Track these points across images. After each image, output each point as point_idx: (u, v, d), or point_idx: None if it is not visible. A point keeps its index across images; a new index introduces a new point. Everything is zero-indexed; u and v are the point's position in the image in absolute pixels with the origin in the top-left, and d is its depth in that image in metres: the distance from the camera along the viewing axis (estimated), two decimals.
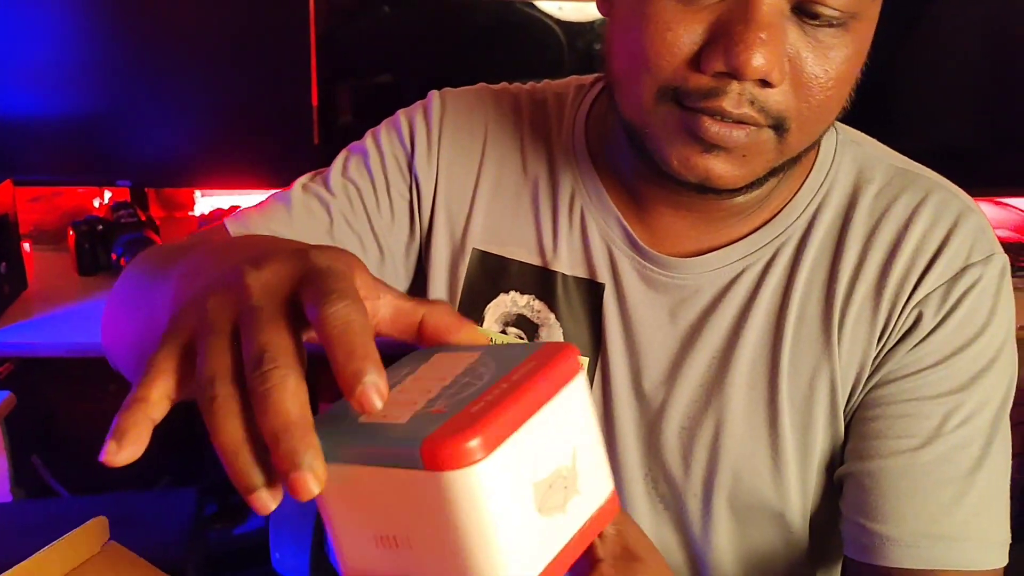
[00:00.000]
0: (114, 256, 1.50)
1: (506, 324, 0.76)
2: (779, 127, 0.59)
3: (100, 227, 1.53)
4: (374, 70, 1.69)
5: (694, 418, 0.72)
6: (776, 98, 0.58)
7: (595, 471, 0.38)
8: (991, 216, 1.95)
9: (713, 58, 0.57)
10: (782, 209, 0.71)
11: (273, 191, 1.47)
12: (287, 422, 0.33)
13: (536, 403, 0.35)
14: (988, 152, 1.87)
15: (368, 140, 0.79)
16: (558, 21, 1.66)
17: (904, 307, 0.68)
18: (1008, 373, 0.69)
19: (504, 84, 0.82)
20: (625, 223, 0.72)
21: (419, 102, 0.81)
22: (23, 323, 1.39)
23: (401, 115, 0.80)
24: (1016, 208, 1.97)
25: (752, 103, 0.58)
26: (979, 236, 0.69)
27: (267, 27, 1.61)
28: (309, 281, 0.37)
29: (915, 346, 0.68)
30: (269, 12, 1.60)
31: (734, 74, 0.56)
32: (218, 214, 1.62)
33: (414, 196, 0.77)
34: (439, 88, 0.82)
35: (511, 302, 0.76)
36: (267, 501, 0.35)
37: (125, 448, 0.36)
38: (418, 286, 0.80)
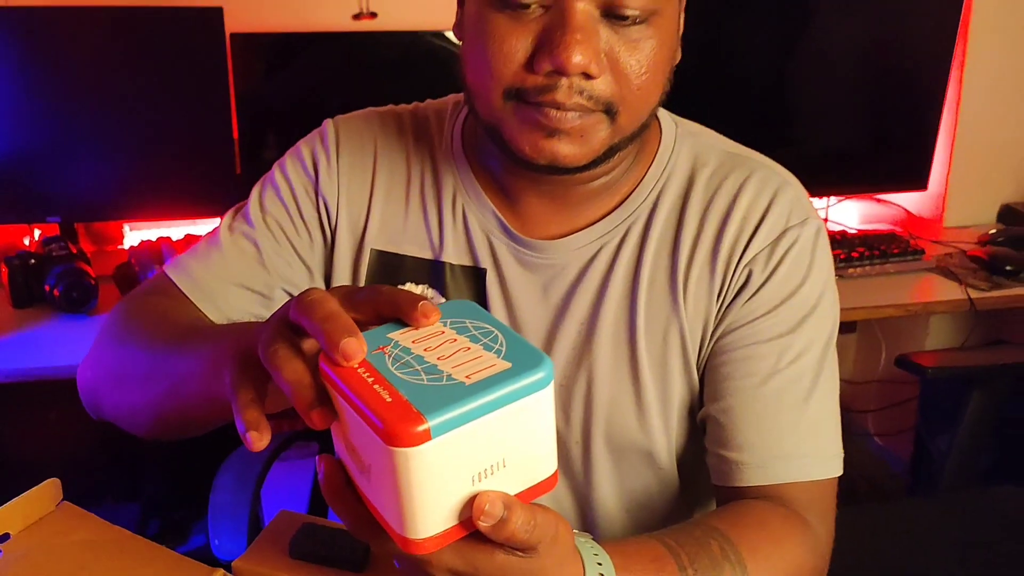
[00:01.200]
0: (47, 288, 1.57)
1: None
2: (609, 111, 0.72)
3: (32, 261, 1.59)
4: (291, 102, 1.79)
5: (570, 376, 0.84)
6: (600, 87, 0.70)
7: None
8: (870, 212, 2.13)
9: (542, 60, 0.69)
10: (631, 194, 0.84)
11: (200, 220, 1.60)
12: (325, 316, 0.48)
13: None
14: (868, 155, 2.04)
15: (276, 173, 0.90)
16: (440, 50, 1.79)
17: (736, 267, 0.81)
18: (829, 317, 0.82)
19: (390, 106, 0.93)
20: (500, 215, 0.84)
21: (316, 131, 0.91)
22: None
23: (302, 146, 0.91)
24: (893, 203, 2.14)
25: (581, 93, 0.70)
26: (795, 204, 0.83)
27: (188, 65, 1.70)
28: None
29: (748, 300, 0.80)
30: (189, 51, 1.69)
31: (560, 71, 0.69)
32: (147, 246, 1.69)
33: (323, 215, 0.88)
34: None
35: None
36: (319, 418, 0.48)
37: (264, 434, 0.51)
38: (327, 285, 0.90)
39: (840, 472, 0.80)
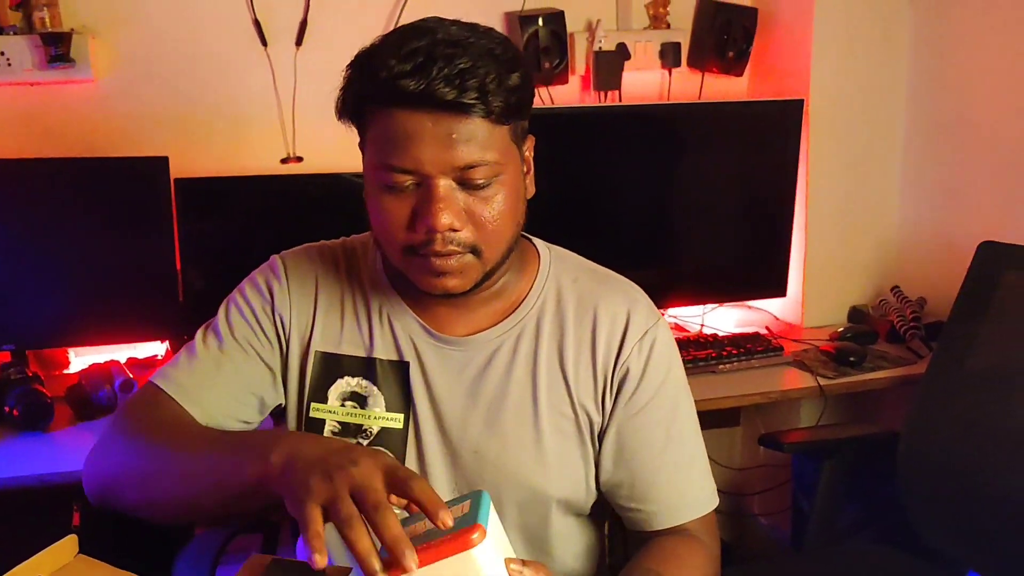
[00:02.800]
0: (7, 408, 1.72)
1: (344, 399, 1.09)
2: (474, 251, 0.97)
3: None
4: (229, 237, 2.01)
5: (482, 442, 1.06)
6: (464, 236, 0.95)
7: None
8: (741, 317, 2.44)
9: (420, 225, 0.94)
10: (521, 303, 1.09)
11: (144, 343, 1.79)
12: (396, 534, 0.71)
13: (438, 556, 0.71)
14: (738, 268, 2.36)
15: (238, 297, 1.12)
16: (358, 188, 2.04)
17: (615, 366, 1.07)
18: (688, 393, 1.11)
19: (323, 242, 1.17)
20: (420, 319, 1.08)
21: (266, 264, 1.14)
22: None
23: (257, 275, 1.13)
24: (762, 309, 2.46)
25: (452, 243, 0.94)
26: (649, 309, 1.10)
27: (137, 207, 1.92)
28: (393, 480, 0.76)
29: (633, 393, 1.07)
30: (138, 194, 1.91)
31: (433, 231, 0.93)
32: (96, 368, 1.85)
33: (279, 327, 1.10)
34: (282, 247, 1.17)
35: (345, 384, 1.09)
36: None
37: (324, 556, 0.72)
38: (285, 386, 1.11)
39: (715, 505, 1.10)
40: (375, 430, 1.07)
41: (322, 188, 2.05)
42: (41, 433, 1.74)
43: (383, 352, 1.08)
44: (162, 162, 1.90)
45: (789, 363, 2.09)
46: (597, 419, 1.07)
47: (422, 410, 1.07)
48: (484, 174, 0.93)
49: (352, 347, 1.09)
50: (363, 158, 1.00)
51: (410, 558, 0.70)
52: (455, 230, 0.94)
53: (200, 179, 1.99)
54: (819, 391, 1.95)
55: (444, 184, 0.93)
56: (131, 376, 1.84)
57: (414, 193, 0.94)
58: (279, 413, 1.13)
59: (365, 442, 1.07)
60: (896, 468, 1.73)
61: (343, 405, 1.08)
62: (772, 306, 2.45)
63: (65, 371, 2.05)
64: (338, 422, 1.08)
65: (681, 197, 2.30)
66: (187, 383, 1.06)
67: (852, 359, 2.05)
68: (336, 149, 2.16)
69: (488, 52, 0.91)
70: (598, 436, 1.08)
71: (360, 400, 1.08)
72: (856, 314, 2.39)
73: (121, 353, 2.04)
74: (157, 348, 2.08)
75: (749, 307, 2.47)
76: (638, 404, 1.06)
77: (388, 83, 0.90)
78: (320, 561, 0.71)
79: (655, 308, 1.11)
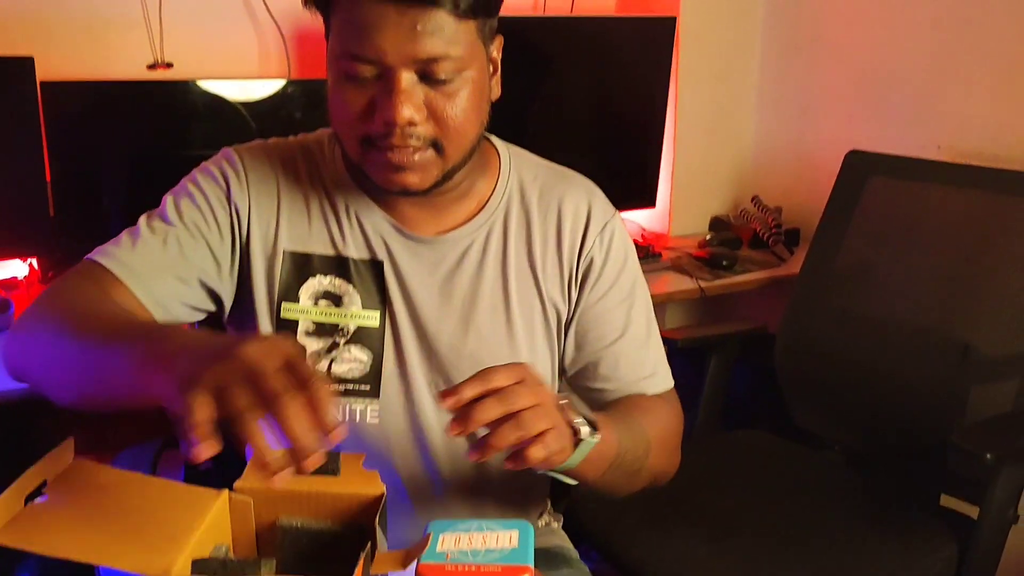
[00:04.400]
0: None
1: (317, 298, 1.07)
2: (436, 146, 0.96)
3: None
4: (101, 147, 1.88)
5: (458, 338, 1.08)
6: (424, 130, 0.94)
7: None
8: None
9: (378, 116, 0.93)
10: (487, 203, 1.10)
11: (5, 261, 1.64)
12: (300, 430, 0.65)
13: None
14: (609, 181, 2.42)
15: (188, 184, 1.06)
16: (236, 98, 1.97)
17: (579, 257, 1.10)
18: (643, 280, 1.16)
19: (275, 139, 1.13)
20: (390, 218, 1.07)
21: (219, 155, 1.09)
22: None
23: (210, 165, 1.08)
24: (630, 221, 2.57)
25: (411, 136, 0.93)
26: (606, 203, 1.15)
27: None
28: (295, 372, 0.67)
29: (596, 281, 1.11)
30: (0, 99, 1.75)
31: (391, 124, 0.92)
32: None
33: (234, 219, 1.06)
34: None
35: (317, 283, 1.07)
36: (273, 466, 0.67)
37: (212, 446, 0.64)
38: (243, 282, 1.08)
39: (673, 383, 1.15)
40: (351, 328, 1.07)
41: (192, 96, 1.95)
42: None
43: (355, 251, 1.08)
44: (27, 63, 1.74)
45: (667, 268, 2.22)
46: (564, 309, 1.12)
47: (398, 308, 1.08)
48: (447, 69, 0.93)
49: (322, 246, 1.08)
50: (326, 50, 0.98)
51: (315, 458, 0.65)
52: (414, 124, 0.93)
53: (70, 83, 1.83)
54: (700, 292, 2.09)
55: (406, 77, 0.92)
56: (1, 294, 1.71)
57: (375, 84, 0.93)
58: (240, 319, 1.10)
59: (342, 341, 1.07)
60: (773, 359, 1.89)
61: (316, 304, 1.07)
62: (639, 217, 2.57)
63: None
64: (312, 322, 1.07)
65: (553, 111, 2.34)
66: (132, 262, 1.00)
67: (725, 263, 2.20)
68: (209, 55, 2.08)
69: None
70: (564, 325, 1.13)
71: (334, 299, 1.07)
72: (718, 223, 2.55)
73: None
74: (17, 269, 1.93)
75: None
76: (600, 291, 1.11)
77: None
78: (205, 452, 0.63)
79: (609, 202, 1.16)
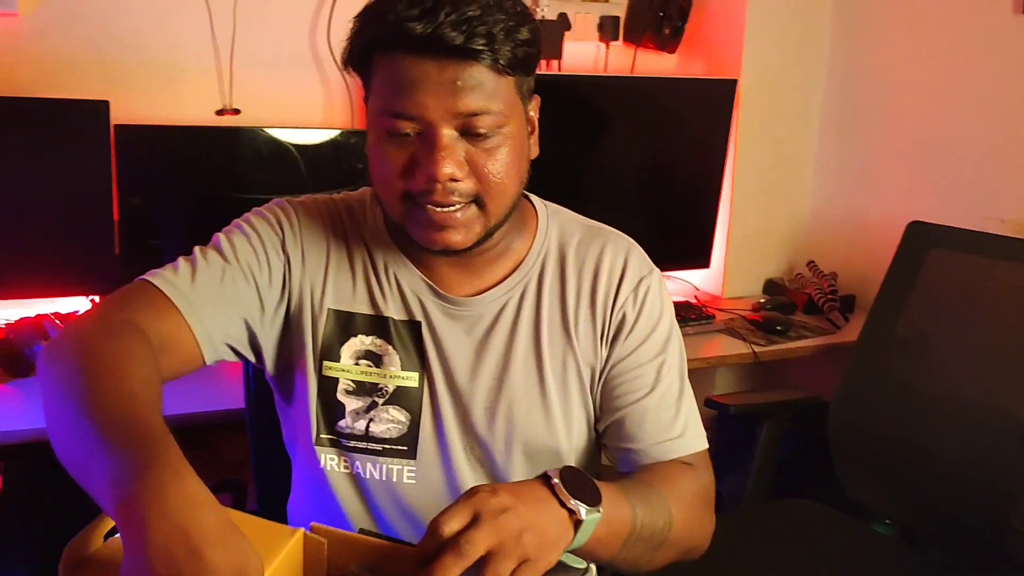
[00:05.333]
0: None
1: (358, 358, 1.08)
2: (477, 202, 0.96)
3: None
4: (164, 186, 1.93)
5: (492, 400, 1.08)
6: (466, 186, 0.94)
7: None
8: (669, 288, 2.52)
9: (420, 173, 0.94)
10: (522, 262, 1.10)
11: (68, 298, 1.64)
12: None
13: None
14: (663, 240, 2.43)
15: (244, 225, 1.07)
16: (298, 145, 2.02)
17: (612, 312, 1.09)
18: (680, 339, 1.14)
19: (322, 196, 1.13)
20: (426, 279, 1.08)
21: (273, 204, 1.10)
22: None
23: (265, 211, 1.09)
24: (683, 280, 2.56)
25: (452, 193, 0.94)
26: (643, 260, 1.13)
27: (74, 153, 1.80)
28: None
29: (627, 335, 1.09)
30: (76, 139, 1.80)
31: (433, 180, 0.93)
32: (27, 322, 1.75)
33: (285, 268, 1.07)
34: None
35: (359, 343, 1.08)
36: None
37: None
38: (284, 336, 1.09)
39: (706, 446, 1.11)
40: (391, 389, 1.07)
41: (261, 143, 1.99)
42: None
43: (395, 311, 1.08)
44: (102, 106, 1.80)
45: (720, 331, 2.20)
46: (597, 366, 1.10)
47: (435, 369, 1.08)
48: (488, 123, 0.93)
49: (364, 306, 1.08)
50: (367, 111, 1.00)
51: None
52: (456, 180, 0.93)
53: (142, 126, 1.89)
54: (753, 357, 2.06)
55: (447, 133, 0.92)
56: None
57: (416, 141, 0.94)
58: (281, 375, 1.11)
59: (381, 401, 1.07)
60: (826, 429, 1.85)
61: (357, 364, 1.08)
62: (693, 277, 2.56)
63: None
64: (352, 380, 1.07)
65: (611, 169, 2.36)
66: (188, 292, 0.98)
67: (779, 328, 2.18)
68: (276, 103, 2.13)
69: (497, 3, 0.92)
70: (597, 382, 1.11)
71: (375, 359, 1.08)
72: (772, 286, 2.52)
73: (38, 308, 1.91)
74: (78, 304, 1.97)
75: (671, 277, 2.56)
76: (630, 346, 1.09)
77: (395, 26, 0.89)
78: None
79: (647, 258, 1.15)
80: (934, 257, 1.83)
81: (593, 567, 0.92)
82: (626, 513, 0.92)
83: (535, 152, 1.04)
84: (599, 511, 0.86)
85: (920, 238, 1.85)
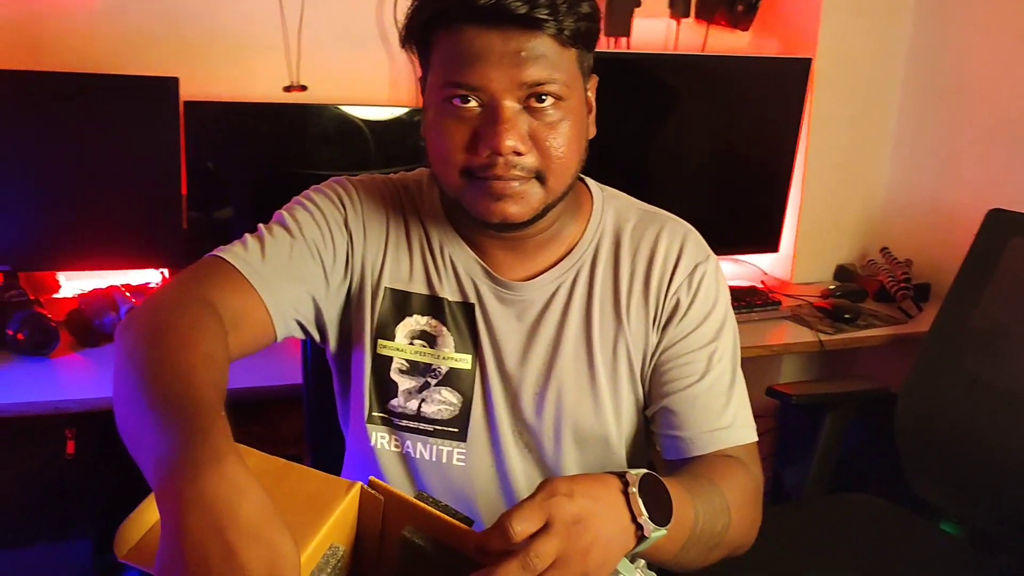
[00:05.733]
0: (10, 332, 1.66)
1: (412, 338, 1.08)
2: (539, 177, 0.96)
3: None
4: (232, 162, 1.96)
5: (542, 386, 1.07)
6: (528, 160, 0.94)
7: None
8: (732, 271, 2.48)
9: (482, 147, 0.93)
10: (576, 244, 1.09)
11: (139, 271, 1.63)
12: None
13: None
14: (731, 223, 2.39)
15: (306, 203, 1.07)
16: (365, 122, 2.02)
17: (665, 298, 1.07)
18: (734, 326, 1.11)
19: (380, 176, 1.13)
20: (481, 261, 1.07)
21: (333, 182, 1.10)
22: None
23: (326, 188, 1.09)
24: (751, 264, 2.51)
25: (515, 167, 0.93)
26: (699, 246, 1.11)
27: (144, 128, 1.84)
28: None
29: (680, 321, 1.07)
30: (146, 115, 1.83)
31: (496, 153, 0.92)
32: (98, 293, 1.79)
33: (348, 245, 1.07)
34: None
35: (414, 322, 1.08)
36: None
37: None
38: (345, 313, 1.09)
39: (756, 439, 1.08)
40: (444, 370, 1.07)
41: (328, 119, 2.00)
42: (45, 358, 1.68)
43: (449, 292, 1.08)
44: (172, 83, 1.82)
45: (786, 317, 2.15)
46: (647, 352, 1.08)
47: (486, 353, 1.07)
48: (552, 92, 0.92)
49: (420, 286, 1.08)
50: (423, 91, 0.99)
51: None
52: (519, 154, 0.93)
53: (211, 103, 1.92)
54: (819, 345, 2.01)
55: (510, 105, 0.92)
56: (136, 303, 1.79)
57: (478, 116, 0.93)
58: (340, 354, 1.11)
59: (433, 382, 1.07)
60: (893, 421, 1.80)
61: (411, 343, 1.08)
62: (762, 261, 2.50)
63: (54, 296, 1.98)
64: (406, 360, 1.07)
65: (680, 148, 2.31)
66: (260, 267, 0.99)
67: (847, 316, 2.12)
68: (343, 79, 2.14)
69: None
70: (648, 368, 1.09)
71: (429, 339, 1.08)
72: (843, 272, 2.45)
73: (111, 279, 1.97)
74: (149, 276, 2.02)
75: (738, 261, 2.51)
76: (682, 332, 1.07)
77: None
78: None
79: (705, 244, 1.12)
80: (1014, 246, 1.74)
81: (642, 562, 0.90)
82: (689, 519, 0.89)
83: (592, 131, 1.03)
84: (666, 530, 0.83)
85: (1000, 226, 1.77)
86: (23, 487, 1.81)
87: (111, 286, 1.85)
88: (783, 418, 2.23)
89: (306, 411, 1.40)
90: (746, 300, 2.12)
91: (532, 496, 0.76)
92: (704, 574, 1.11)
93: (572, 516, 0.75)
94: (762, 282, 2.37)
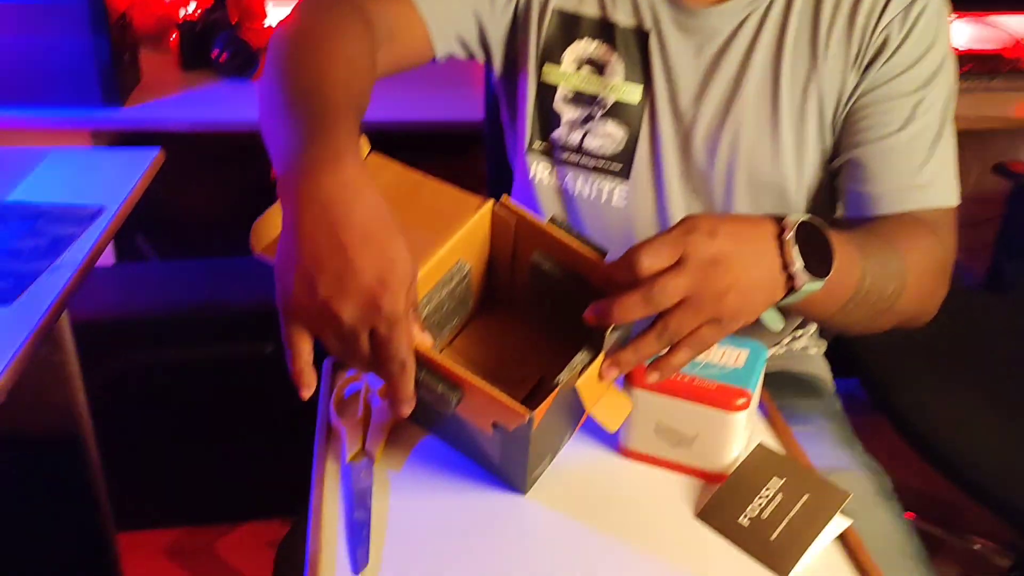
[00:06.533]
0: (214, 53, 1.72)
1: (580, 64, 1.01)
2: None
3: (199, 28, 1.74)
4: None
5: (717, 126, 0.98)
6: None
7: None
8: (977, 33, 2.17)
9: None
10: None
11: None
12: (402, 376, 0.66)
13: (695, 397, 0.74)
14: None
15: None
16: None
17: (873, 33, 0.93)
18: (951, 77, 0.95)
19: None
20: None
21: None
22: (142, 105, 1.64)
23: None
24: (996, 26, 2.17)
25: None
26: None
27: None
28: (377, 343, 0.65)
29: (886, 61, 0.93)
30: None
31: None
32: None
33: None
34: None
35: (583, 47, 1.01)
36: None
37: (312, 386, 0.66)
38: (512, 35, 1.03)
39: (959, 202, 0.95)
40: (610, 101, 1.00)
41: None
42: (246, 80, 1.74)
43: (623, 16, 0.99)
44: None
45: None
46: (843, 95, 0.95)
47: (658, 86, 0.98)
48: None
49: (592, 7, 1.00)
50: None
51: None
52: None
53: None
54: None
55: None
56: None
57: None
58: (506, 79, 1.06)
59: (599, 113, 1.00)
60: None
61: (578, 70, 1.01)
62: (1015, 23, 2.16)
63: (262, 23, 2.02)
64: (572, 89, 1.01)
65: None
66: None
67: None
68: None
69: None
70: (841, 113, 0.97)
71: (597, 67, 1.00)
72: None
73: None
74: None
75: (987, 22, 2.18)
76: (887, 74, 0.93)
77: None
78: (306, 394, 0.67)
79: None
80: None
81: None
82: (854, 276, 0.80)
83: None
84: (822, 283, 0.73)
85: None
86: (226, 203, 1.93)
87: None
88: (1012, 204, 1.99)
89: (487, 148, 1.38)
90: (989, 66, 1.86)
91: (670, 229, 0.70)
92: (893, 352, 1.00)
93: (710, 256, 0.68)
94: (1016, 43, 2.06)
